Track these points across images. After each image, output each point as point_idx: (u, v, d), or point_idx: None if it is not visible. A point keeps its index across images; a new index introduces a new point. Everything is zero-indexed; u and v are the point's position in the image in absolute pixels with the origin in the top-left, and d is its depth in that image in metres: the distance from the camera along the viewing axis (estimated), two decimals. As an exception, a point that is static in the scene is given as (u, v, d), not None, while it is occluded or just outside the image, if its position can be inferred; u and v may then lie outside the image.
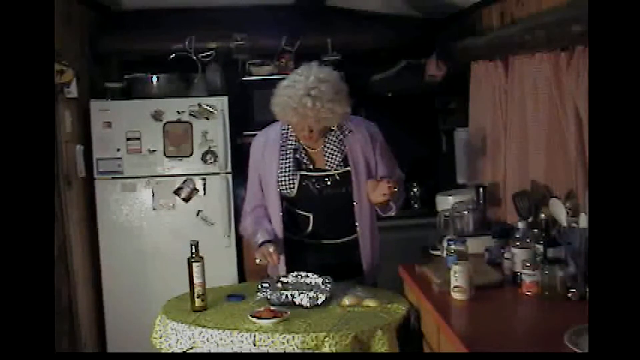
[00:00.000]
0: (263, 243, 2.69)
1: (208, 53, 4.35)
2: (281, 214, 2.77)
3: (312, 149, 2.78)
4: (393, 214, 2.83)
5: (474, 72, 3.75)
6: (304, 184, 2.74)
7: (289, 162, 2.75)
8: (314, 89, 2.55)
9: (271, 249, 2.64)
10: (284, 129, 2.80)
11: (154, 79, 4.19)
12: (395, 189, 2.64)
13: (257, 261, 2.66)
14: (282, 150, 2.77)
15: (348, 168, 2.75)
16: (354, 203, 2.76)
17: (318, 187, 2.75)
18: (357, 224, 2.78)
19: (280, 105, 2.62)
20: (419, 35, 4.46)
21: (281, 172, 2.75)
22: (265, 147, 2.81)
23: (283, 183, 2.74)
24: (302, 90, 2.55)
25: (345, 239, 2.81)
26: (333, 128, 2.75)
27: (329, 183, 2.75)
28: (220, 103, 4.11)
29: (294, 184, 2.74)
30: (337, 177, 2.76)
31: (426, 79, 4.25)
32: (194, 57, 4.33)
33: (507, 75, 3.31)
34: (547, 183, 2.91)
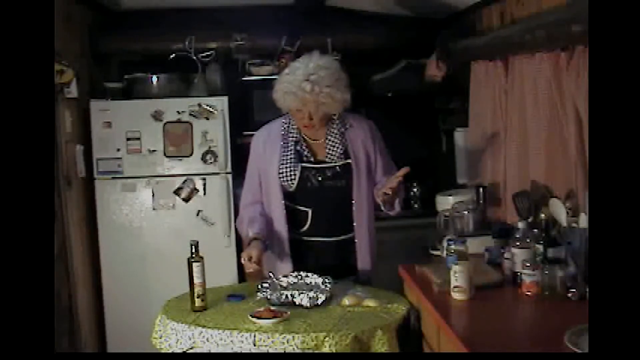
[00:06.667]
0: (252, 241, 2.68)
1: (208, 53, 4.35)
2: (284, 208, 2.77)
3: (314, 141, 2.80)
4: (398, 210, 2.82)
5: (474, 72, 3.75)
6: (304, 176, 2.75)
7: (291, 154, 2.76)
8: (313, 75, 2.62)
9: (253, 254, 2.60)
10: (285, 123, 2.83)
11: (154, 79, 4.19)
12: (397, 182, 2.62)
13: (242, 259, 2.63)
14: (284, 143, 2.79)
15: (349, 160, 2.77)
16: (353, 197, 2.76)
17: (319, 179, 2.76)
18: (354, 219, 2.78)
19: (280, 91, 2.68)
20: (419, 35, 4.46)
21: (282, 164, 2.76)
22: (267, 141, 2.84)
23: (284, 174, 2.75)
24: (302, 76, 2.62)
25: (343, 237, 2.81)
26: (334, 119, 2.78)
27: (329, 175, 2.77)
28: (220, 103, 4.11)
29: (295, 175, 2.75)
30: (338, 169, 2.77)
31: (426, 79, 4.25)
32: (194, 57, 4.33)
33: (507, 75, 3.31)
34: (547, 183, 2.91)
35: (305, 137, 2.80)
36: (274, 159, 2.78)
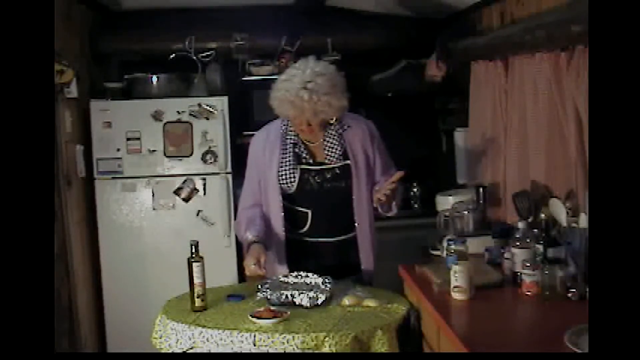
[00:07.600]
0: (252, 243, 2.67)
1: (208, 53, 4.36)
2: (282, 211, 2.77)
3: (312, 143, 2.79)
4: (394, 212, 2.83)
5: (474, 72, 3.75)
6: (304, 178, 2.75)
7: (289, 157, 2.76)
8: (310, 82, 2.59)
9: (262, 259, 2.61)
10: (284, 125, 2.82)
11: (154, 79, 4.19)
12: (392, 188, 2.62)
13: (250, 265, 2.61)
14: (283, 145, 2.78)
15: (348, 161, 2.77)
16: (353, 198, 2.76)
17: (318, 180, 2.76)
18: (355, 219, 2.78)
19: (277, 99, 2.66)
20: (419, 35, 4.46)
21: (282, 166, 2.75)
22: (266, 143, 2.83)
23: (283, 177, 2.75)
24: (299, 84, 2.59)
25: (343, 237, 2.81)
26: (332, 122, 2.77)
27: (328, 176, 2.76)
28: (220, 103, 4.11)
29: (294, 178, 2.74)
30: (337, 171, 2.77)
31: (426, 79, 4.25)
32: (194, 57, 4.33)
33: (507, 75, 3.31)
34: (547, 183, 2.91)
35: (303, 139, 2.80)
36: (273, 162, 2.77)
